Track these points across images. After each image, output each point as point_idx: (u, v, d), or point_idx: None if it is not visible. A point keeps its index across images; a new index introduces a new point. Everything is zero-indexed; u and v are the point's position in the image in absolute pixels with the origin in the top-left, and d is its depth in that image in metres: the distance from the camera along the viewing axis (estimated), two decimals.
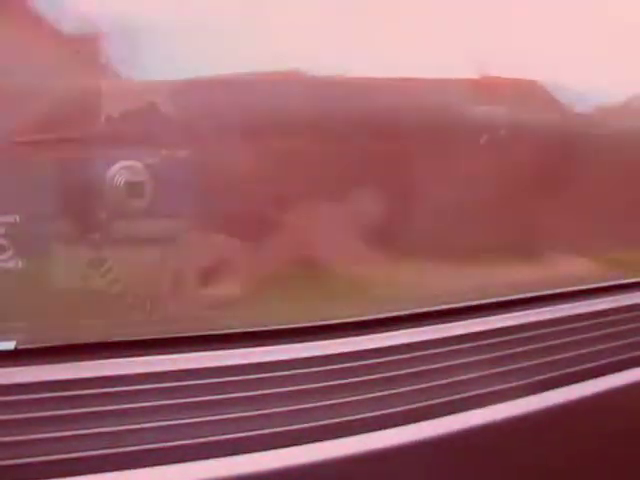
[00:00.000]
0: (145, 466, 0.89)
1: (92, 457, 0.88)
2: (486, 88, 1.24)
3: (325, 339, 1.07)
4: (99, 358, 0.96)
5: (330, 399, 0.99)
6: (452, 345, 1.11)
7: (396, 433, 1.00)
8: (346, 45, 1.08)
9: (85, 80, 0.92)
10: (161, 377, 0.95)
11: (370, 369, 1.04)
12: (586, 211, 1.38)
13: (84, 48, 0.92)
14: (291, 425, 0.96)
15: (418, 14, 1.17)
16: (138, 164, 0.94)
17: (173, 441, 0.91)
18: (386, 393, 1.03)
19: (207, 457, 0.91)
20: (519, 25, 1.25)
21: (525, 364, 1.15)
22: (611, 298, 1.33)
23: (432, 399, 1.05)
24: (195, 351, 1.00)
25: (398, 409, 1.03)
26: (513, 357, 1.15)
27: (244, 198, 1.04)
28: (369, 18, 1.11)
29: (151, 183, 0.93)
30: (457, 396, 1.07)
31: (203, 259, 1.03)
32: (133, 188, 0.93)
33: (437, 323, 1.16)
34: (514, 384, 1.11)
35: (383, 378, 1.04)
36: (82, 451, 0.88)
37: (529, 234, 1.32)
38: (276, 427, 0.96)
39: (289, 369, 0.99)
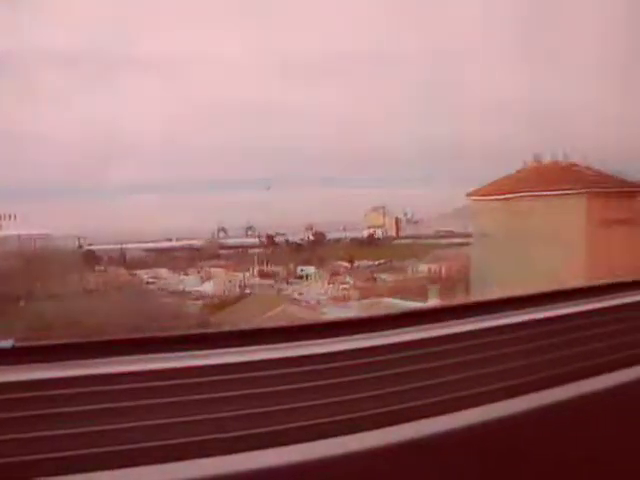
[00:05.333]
0: (142, 464, 0.89)
1: (89, 455, 0.88)
2: None
3: (320, 338, 1.07)
4: (96, 356, 0.96)
5: (326, 398, 0.99)
6: (448, 344, 1.11)
7: (393, 431, 1.00)
8: None
9: None
10: (158, 375, 0.94)
11: (366, 368, 1.04)
12: None
13: None
14: (286, 424, 0.96)
15: None
16: None
17: (171, 439, 0.91)
18: (383, 392, 1.03)
19: (203, 455, 0.91)
20: None
21: (522, 362, 1.15)
22: (607, 297, 1.33)
23: (429, 397, 1.05)
24: (191, 350, 1.00)
25: (394, 407, 1.03)
26: (510, 355, 1.14)
27: None
28: None
29: None
30: (454, 394, 1.07)
31: None
32: None
33: (433, 322, 1.15)
34: (510, 383, 1.11)
35: (380, 377, 1.04)
36: (81, 449, 0.88)
37: None
38: (271, 426, 0.96)
39: (281, 368, 0.99)
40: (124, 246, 1.90)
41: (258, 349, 1.02)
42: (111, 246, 1.89)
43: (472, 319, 1.17)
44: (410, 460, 0.99)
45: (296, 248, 2.13)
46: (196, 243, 2.05)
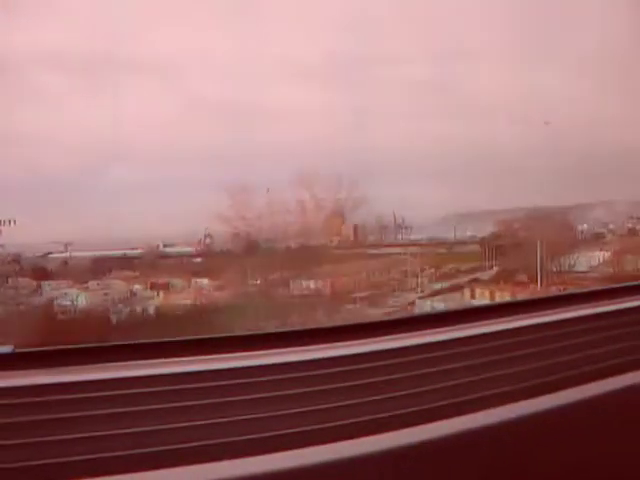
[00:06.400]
0: (145, 469, 0.88)
1: (91, 460, 0.87)
2: None
3: (323, 343, 1.06)
4: (97, 362, 0.95)
5: (330, 402, 0.99)
6: (451, 348, 1.11)
7: (394, 435, 1.00)
8: None
9: None
10: (159, 380, 0.94)
11: (370, 372, 1.03)
12: None
13: None
14: (290, 428, 0.96)
15: None
16: None
17: (173, 444, 0.91)
18: (386, 396, 1.03)
19: (209, 459, 0.91)
20: None
21: (524, 367, 1.14)
22: (606, 302, 1.33)
23: (431, 402, 1.05)
24: (194, 354, 1.00)
25: (396, 412, 1.02)
26: (512, 360, 1.14)
27: None
28: None
29: None
30: (458, 399, 1.06)
31: None
32: None
33: (434, 327, 1.15)
34: (513, 387, 1.11)
35: (382, 381, 1.04)
36: (81, 454, 0.87)
37: None
38: (275, 430, 0.95)
39: (283, 373, 0.99)
40: (81, 254, 1.90)
41: (274, 352, 1.02)
42: (89, 253, 1.89)
43: (477, 324, 1.17)
44: (408, 465, 0.99)
45: (226, 257, 2.09)
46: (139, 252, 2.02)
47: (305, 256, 2.05)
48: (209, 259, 2.05)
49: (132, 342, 1.03)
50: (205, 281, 2.05)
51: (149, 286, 2.03)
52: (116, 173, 1.52)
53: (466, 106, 1.85)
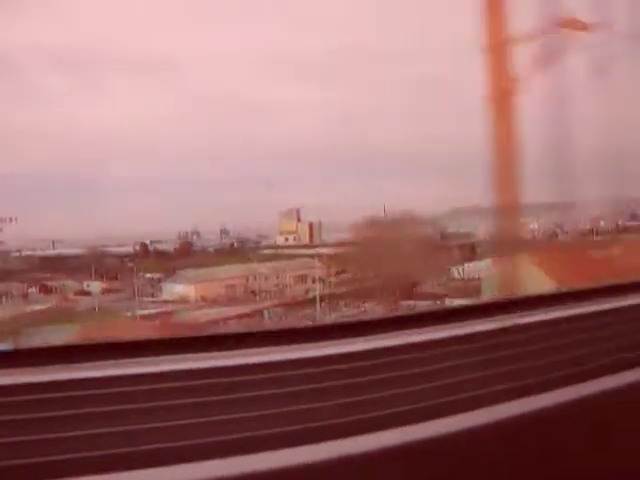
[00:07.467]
0: (144, 467, 0.89)
1: (91, 458, 0.88)
2: None
3: (316, 341, 1.07)
4: (97, 359, 0.96)
5: (322, 401, 0.99)
6: (445, 347, 1.11)
7: (384, 436, 1.00)
8: None
9: None
10: (159, 378, 0.95)
11: (361, 372, 1.04)
12: None
13: None
14: (283, 427, 0.96)
15: None
16: None
17: (172, 442, 0.91)
18: (376, 396, 1.03)
19: (206, 457, 0.91)
20: None
21: (515, 367, 1.14)
22: (598, 301, 1.33)
23: (422, 402, 1.05)
24: (193, 353, 1.00)
25: (386, 412, 1.03)
26: (503, 360, 1.14)
27: None
28: None
29: None
30: (451, 397, 1.07)
31: None
32: None
33: (426, 326, 1.15)
34: (505, 386, 1.11)
35: (374, 380, 1.04)
36: (81, 452, 0.88)
37: None
38: (270, 429, 0.96)
39: (280, 371, 0.99)
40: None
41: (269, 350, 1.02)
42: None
43: (467, 322, 1.17)
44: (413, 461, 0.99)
45: (160, 257, 2.05)
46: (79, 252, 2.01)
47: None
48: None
49: (133, 340, 1.04)
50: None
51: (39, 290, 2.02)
52: (116, 171, 1.53)
53: (466, 105, 1.86)
